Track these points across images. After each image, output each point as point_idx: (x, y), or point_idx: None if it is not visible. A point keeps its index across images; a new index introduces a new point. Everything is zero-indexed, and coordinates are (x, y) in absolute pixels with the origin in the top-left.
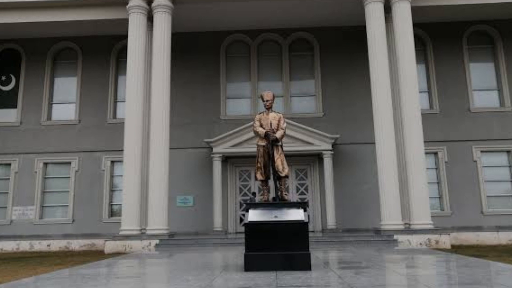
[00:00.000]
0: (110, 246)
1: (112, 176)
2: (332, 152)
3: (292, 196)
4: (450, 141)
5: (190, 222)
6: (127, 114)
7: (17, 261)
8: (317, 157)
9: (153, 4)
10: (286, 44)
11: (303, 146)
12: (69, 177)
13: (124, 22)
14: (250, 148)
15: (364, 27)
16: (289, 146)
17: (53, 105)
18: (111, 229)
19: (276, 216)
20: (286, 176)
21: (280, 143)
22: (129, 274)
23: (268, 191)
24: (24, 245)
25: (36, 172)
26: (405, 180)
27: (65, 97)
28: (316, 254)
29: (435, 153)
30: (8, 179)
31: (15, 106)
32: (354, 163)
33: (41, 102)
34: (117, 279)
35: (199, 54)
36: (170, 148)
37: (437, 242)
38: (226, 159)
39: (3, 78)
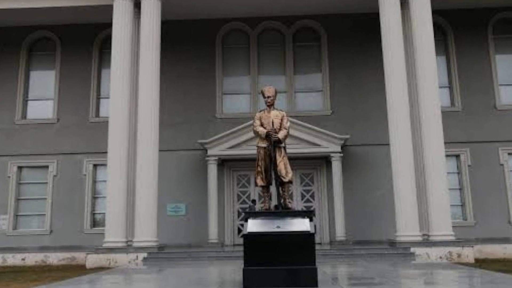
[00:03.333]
0: (92, 260)
1: (94, 182)
2: (342, 154)
3: (297, 204)
4: (474, 142)
5: (182, 233)
6: (111, 112)
7: None
8: (325, 160)
9: None
10: (290, 33)
11: (308, 148)
12: (46, 183)
13: (108, 9)
14: (250, 150)
15: (377, 14)
16: (293, 148)
17: (29, 101)
18: (93, 241)
19: (278, 227)
20: (290, 182)
21: (283, 145)
22: None
23: (270, 198)
24: None
25: (9, 177)
26: (423, 186)
27: (42, 93)
28: (324, 269)
29: (457, 156)
30: None
31: None
32: (366, 167)
33: (15, 99)
34: None
35: (192, 45)
36: (160, 150)
37: (459, 255)
38: (223, 163)
39: None
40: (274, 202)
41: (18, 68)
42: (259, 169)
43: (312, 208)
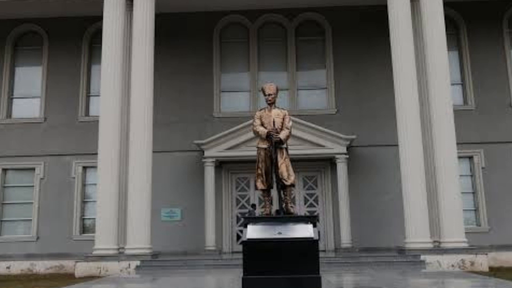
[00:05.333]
0: (81, 268)
1: (84, 185)
2: (347, 156)
3: (299, 208)
4: (488, 142)
5: (178, 240)
6: (102, 110)
7: None
8: (329, 162)
9: None
10: (292, 27)
11: (312, 149)
12: (32, 186)
13: (99, 1)
14: (249, 152)
15: (385, 6)
16: (295, 149)
17: (14, 100)
18: (83, 248)
19: (280, 233)
20: (292, 185)
21: (285, 146)
22: None
23: (271, 203)
24: None
25: None
26: (434, 189)
27: (28, 91)
28: (328, 278)
29: (470, 157)
30: None
31: None
32: (374, 169)
33: None
34: None
35: (188, 39)
36: (154, 151)
37: (472, 263)
38: (221, 165)
39: None
40: (275, 206)
41: (3, 64)
42: (259, 171)
43: (315, 213)
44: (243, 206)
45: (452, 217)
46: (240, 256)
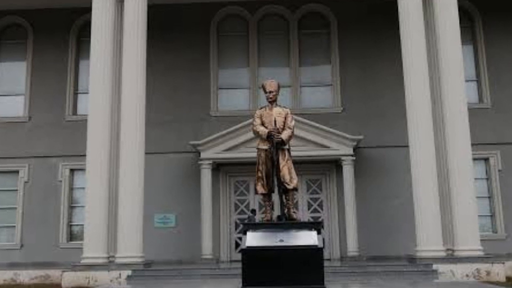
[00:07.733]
0: (69, 278)
1: (71, 189)
2: (354, 157)
3: (303, 214)
4: (505, 143)
5: (172, 248)
6: (90, 109)
7: None
8: (335, 164)
9: None
10: (295, 19)
11: (316, 150)
12: (16, 190)
13: None
14: (249, 153)
15: None
16: (298, 150)
17: None
18: (70, 257)
19: (281, 240)
20: (295, 189)
21: (286, 147)
22: None
23: (272, 208)
24: None
25: None
26: (447, 193)
27: (11, 88)
28: None
29: (486, 159)
30: None
31: None
32: (382, 172)
33: None
34: None
35: (184, 33)
36: (146, 153)
37: (488, 273)
38: (218, 167)
39: None
40: (276, 212)
41: None
42: (259, 174)
43: (320, 219)
44: (242, 212)
45: (466, 223)
46: (239, 265)
